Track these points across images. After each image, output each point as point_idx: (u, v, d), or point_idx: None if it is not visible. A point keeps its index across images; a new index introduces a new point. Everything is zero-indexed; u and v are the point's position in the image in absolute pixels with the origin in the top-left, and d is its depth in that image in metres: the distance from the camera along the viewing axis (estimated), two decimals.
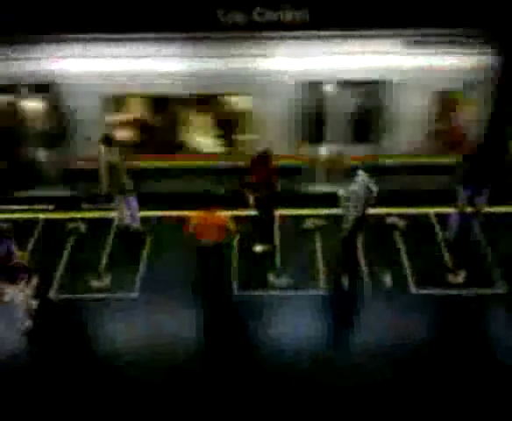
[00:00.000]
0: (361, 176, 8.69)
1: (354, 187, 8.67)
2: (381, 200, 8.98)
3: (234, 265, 9.59)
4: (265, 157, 9.43)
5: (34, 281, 8.73)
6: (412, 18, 9.62)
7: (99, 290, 9.18)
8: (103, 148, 9.70)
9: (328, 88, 10.41)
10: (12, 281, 8.15)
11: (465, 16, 9.58)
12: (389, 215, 10.58)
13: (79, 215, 10.79)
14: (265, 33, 9.85)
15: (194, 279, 9.12)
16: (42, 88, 10.24)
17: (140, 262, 9.71)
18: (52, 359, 8.11)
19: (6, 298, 8.32)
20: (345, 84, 10.29)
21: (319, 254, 9.78)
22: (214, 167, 10.85)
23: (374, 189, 8.73)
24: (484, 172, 9.35)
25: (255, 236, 9.92)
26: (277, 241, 10.08)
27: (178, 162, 10.84)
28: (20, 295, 8.32)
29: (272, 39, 9.95)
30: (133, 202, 10.07)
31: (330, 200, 9.35)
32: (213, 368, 7.88)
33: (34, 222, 10.50)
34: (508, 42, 9.83)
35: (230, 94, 10.54)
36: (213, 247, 8.59)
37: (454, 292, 8.99)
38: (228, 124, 10.91)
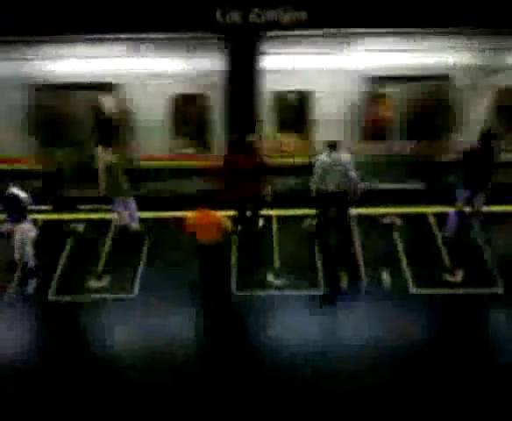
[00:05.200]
0: (340, 155, 9.18)
1: (325, 158, 9.15)
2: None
3: (233, 264, 9.59)
4: (250, 147, 9.52)
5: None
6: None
7: (98, 291, 9.18)
8: (100, 149, 9.71)
9: None
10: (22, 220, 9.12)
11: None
12: (387, 215, 10.59)
13: (78, 216, 10.80)
14: None
15: (193, 279, 9.12)
16: None
17: (139, 263, 9.71)
18: (50, 359, 8.09)
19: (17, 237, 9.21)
20: None
21: (318, 254, 9.79)
22: None
23: (353, 174, 9.15)
24: (482, 172, 9.35)
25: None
26: (276, 241, 10.11)
27: None
28: (30, 231, 9.25)
29: None
30: (132, 203, 10.07)
31: None
32: (212, 369, 7.88)
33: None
34: (233, 48, 9.87)
35: None
36: (212, 247, 8.61)
37: (453, 292, 9.00)
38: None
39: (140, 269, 9.57)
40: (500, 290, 8.99)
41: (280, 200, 10.33)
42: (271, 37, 9.74)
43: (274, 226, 10.46)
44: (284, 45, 9.92)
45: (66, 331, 8.56)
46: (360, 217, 10.50)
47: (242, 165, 9.46)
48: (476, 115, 10.24)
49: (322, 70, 10.10)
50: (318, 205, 9.89)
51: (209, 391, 7.53)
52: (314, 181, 9.42)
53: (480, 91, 10.15)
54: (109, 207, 10.29)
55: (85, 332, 8.54)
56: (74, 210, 10.90)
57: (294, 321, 8.52)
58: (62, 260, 9.80)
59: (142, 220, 10.37)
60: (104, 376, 7.79)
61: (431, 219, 10.50)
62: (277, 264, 9.62)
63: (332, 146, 9.23)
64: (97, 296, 9.09)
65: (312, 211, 10.21)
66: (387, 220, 10.52)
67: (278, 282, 9.25)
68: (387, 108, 10.62)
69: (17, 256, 9.38)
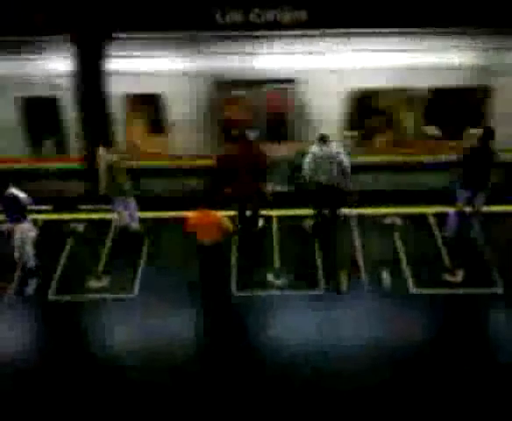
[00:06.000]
0: (331, 147, 9.32)
1: (316, 150, 9.29)
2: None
3: (233, 265, 9.59)
4: (247, 143, 9.50)
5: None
6: None
7: (98, 291, 9.18)
8: (101, 149, 9.70)
9: None
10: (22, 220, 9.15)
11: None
12: (388, 215, 10.59)
13: (78, 215, 10.80)
14: None
15: (193, 279, 9.12)
16: None
17: (139, 262, 9.71)
18: (51, 359, 8.09)
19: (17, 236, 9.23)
20: None
21: (318, 254, 9.80)
22: None
23: (347, 164, 9.35)
24: (482, 172, 9.35)
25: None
26: (276, 241, 10.11)
27: None
28: (30, 231, 9.29)
29: None
30: (132, 203, 10.07)
31: None
32: (212, 369, 7.88)
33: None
34: (83, 48, 9.94)
35: None
36: (212, 247, 8.61)
37: (453, 292, 9.00)
38: None
39: (140, 269, 9.57)
40: (500, 290, 8.99)
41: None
42: (119, 39, 9.82)
43: (274, 226, 10.46)
44: (134, 47, 9.96)
45: (66, 331, 8.56)
46: (360, 218, 10.51)
47: (240, 163, 9.47)
48: (327, 118, 10.19)
49: (171, 73, 10.08)
50: (311, 198, 9.95)
51: (209, 391, 7.54)
52: (305, 172, 9.53)
53: (331, 94, 10.09)
54: (109, 207, 10.29)
55: (85, 332, 8.54)
56: (74, 209, 10.91)
57: (294, 321, 8.52)
58: (62, 260, 9.80)
59: (142, 220, 10.36)
60: (104, 376, 7.79)
61: (431, 219, 10.51)
62: (277, 264, 9.62)
63: (323, 139, 9.30)
64: (97, 295, 9.09)
65: (311, 211, 10.24)
66: (387, 220, 10.52)
67: (278, 282, 9.25)
68: (240, 111, 10.56)
69: (17, 255, 9.39)
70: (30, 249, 9.34)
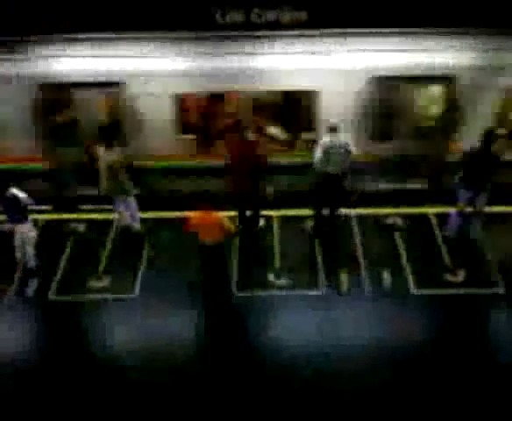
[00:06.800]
0: (340, 137, 9.27)
1: (327, 141, 9.25)
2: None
3: (234, 265, 9.59)
4: (247, 143, 9.42)
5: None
6: None
7: (99, 291, 9.18)
8: (102, 149, 9.70)
9: None
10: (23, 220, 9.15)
11: None
12: (389, 215, 10.57)
13: (79, 216, 10.80)
14: None
15: (193, 279, 9.12)
16: None
17: (140, 263, 9.71)
18: (51, 359, 8.10)
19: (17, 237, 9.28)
20: None
21: (318, 254, 9.79)
22: None
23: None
24: (484, 173, 9.33)
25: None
26: (276, 241, 10.10)
27: None
28: (30, 231, 9.30)
29: None
30: (133, 202, 10.06)
31: None
32: (212, 369, 7.88)
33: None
34: None
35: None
36: (213, 247, 8.60)
37: (454, 292, 8.98)
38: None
39: (141, 269, 9.57)
40: (501, 290, 8.98)
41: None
42: None
43: (275, 226, 10.45)
44: None
45: (66, 331, 8.57)
46: (361, 218, 10.50)
47: (240, 163, 9.46)
48: (158, 122, 10.15)
49: None
50: (313, 196, 9.93)
51: (209, 391, 7.54)
52: (316, 164, 9.45)
53: (158, 98, 10.01)
54: (110, 207, 10.29)
55: (86, 332, 8.55)
56: (74, 210, 10.91)
57: (294, 321, 8.52)
58: (63, 261, 9.80)
59: (143, 220, 10.36)
60: (104, 376, 7.80)
61: (433, 219, 10.48)
62: (278, 264, 9.61)
63: (333, 128, 9.29)
64: (98, 296, 9.09)
65: (311, 212, 10.23)
66: (388, 220, 10.50)
67: (279, 282, 9.25)
68: (69, 113, 10.50)
69: (18, 255, 9.40)
70: (30, 249, 9.35)
